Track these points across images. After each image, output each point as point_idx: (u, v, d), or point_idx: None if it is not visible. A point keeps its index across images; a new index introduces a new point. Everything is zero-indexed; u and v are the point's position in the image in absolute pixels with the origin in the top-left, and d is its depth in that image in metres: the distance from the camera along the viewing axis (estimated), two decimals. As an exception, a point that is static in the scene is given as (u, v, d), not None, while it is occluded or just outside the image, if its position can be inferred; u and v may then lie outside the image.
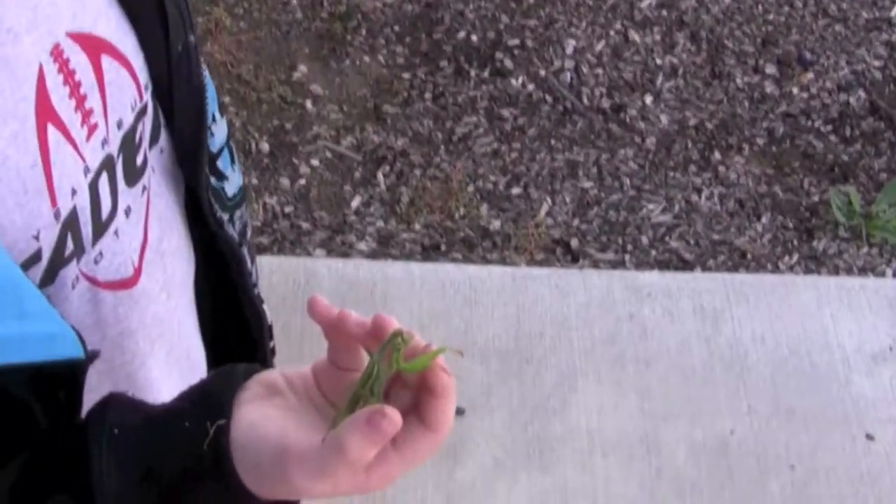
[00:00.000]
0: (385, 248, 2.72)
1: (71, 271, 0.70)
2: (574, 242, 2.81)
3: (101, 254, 0.73)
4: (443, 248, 2.74)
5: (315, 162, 2.88)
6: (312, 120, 2.97)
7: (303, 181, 2.85)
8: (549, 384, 2.41)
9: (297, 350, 2.27)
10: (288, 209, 2.80)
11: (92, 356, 0.66)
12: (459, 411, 2.32)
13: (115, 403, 0.66)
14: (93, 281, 0.73)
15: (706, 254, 2.82)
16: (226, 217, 0.90)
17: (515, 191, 2.90)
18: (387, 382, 0.62)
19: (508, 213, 2.84)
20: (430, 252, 2.71)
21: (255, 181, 2.83)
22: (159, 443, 0.63)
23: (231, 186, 0.91)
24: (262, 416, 0.62)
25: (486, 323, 2.50)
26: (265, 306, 1.00)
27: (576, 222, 2.86)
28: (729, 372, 2.47)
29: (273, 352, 1.04)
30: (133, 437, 0.64)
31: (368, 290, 2.53)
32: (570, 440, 2.32)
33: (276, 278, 2.49)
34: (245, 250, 0.94)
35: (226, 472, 0.61)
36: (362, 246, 2.75)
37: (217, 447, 0.61)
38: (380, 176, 2.88)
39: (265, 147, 2.90)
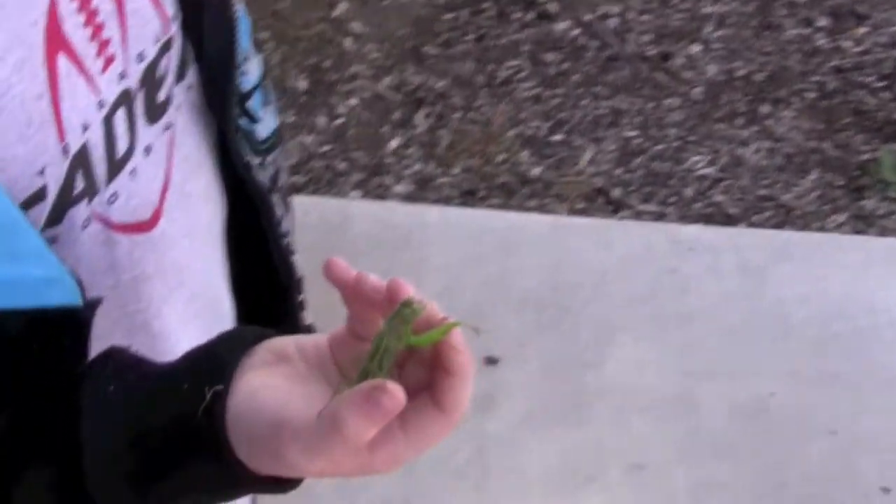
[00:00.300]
0: (422, 191, 2.68)
1: (81, 211, 0.66)
2: (616, 192, 2.75)
3: (115, 194, 0.70)
4: (481, 193, 2.70)
5: (353, 101, 2.84)
6: (351, 58, 2.92)
7: (340, 121, 2.81)
8: (585, 337, 2.35)
9: (328, 297, 2.23)
10: (324, 149, 2.76)
11: (92, 304, 0.62)
12: (493, 360, 2.27)
13: (116, 357, 0.64)
14: (106, 222, 0.70)
15: (751, 209, 2.75)
16: (256, 161, 0.85)
17: (557, 137, 2.84)
18: (399, 357, 0.57)
19: (549, 159, 2.79)
20: (467, 197, 2.67)
21: (291, 119, 2.79)
22: (153, 404, 0.60)
23: (263, 129, 0.86)
24: (264, 385, 0.58)
25: (522, 272, 2.44)
26: (296, 258, 0.94)
27: (618, 172, 2.80)
28: (771, 332, 2.40)
29: (302, 305, 0.97)
30: (128, 396, 0.61)
31: (403, 235, 2.48)
32: (605, 395, 2.26)
33: (311, 219, 2.44)
34: (276, 197, 0.89)
35: (219, 441, 0.57)
36: (399, 188, 2.71)
37: (212, 414, 0.57)
38: (419, 118, 2.83)
39: (303, 85, 2.86)
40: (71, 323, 0.61)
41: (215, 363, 0.59)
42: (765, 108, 2.95)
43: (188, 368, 0.60)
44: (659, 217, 2.72)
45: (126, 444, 0.59)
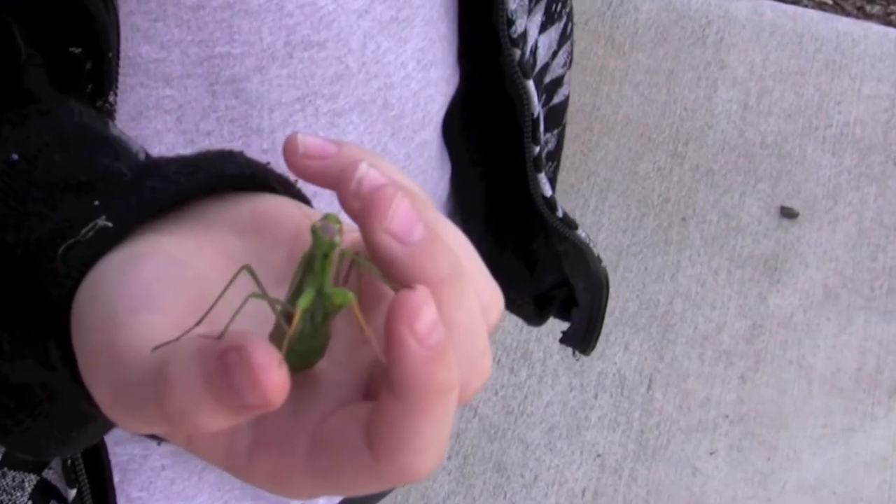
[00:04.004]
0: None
1: None
2: None
3: None
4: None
5: None
6: None
7: None
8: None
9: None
10: None
11: None
12: (791, 213, 1.88)
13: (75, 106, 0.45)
14: None
15: None
16: None
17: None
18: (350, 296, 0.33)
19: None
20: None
21: None
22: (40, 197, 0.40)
23: None
24: (168, 258, 0.36)
25: (848, 100, 2.01)
26: (530, 83, 0.67)
27: None
28: None
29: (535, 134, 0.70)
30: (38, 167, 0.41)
31: (698, 29, 2.08)
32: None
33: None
34: None
35: (56, 313, 0.37)
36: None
37: (68, 265, 0.37)
38: None
39: None
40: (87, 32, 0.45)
41: (155, 185, 0.38)
42: None
43: (121, 175, 0.40)
44: None
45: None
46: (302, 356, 0.34)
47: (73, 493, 0.55)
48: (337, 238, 0.32)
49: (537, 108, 0.68)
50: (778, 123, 1.97)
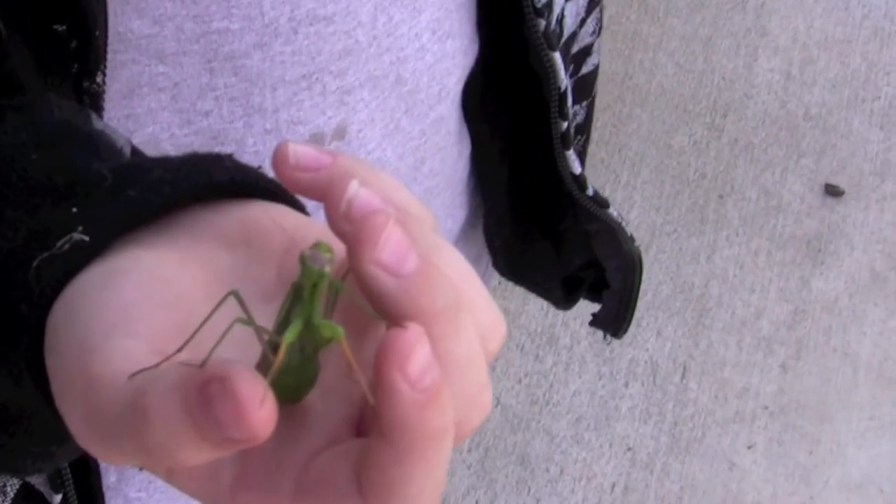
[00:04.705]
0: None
1: None
2: None
3: None
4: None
5: None
6: None
7: None
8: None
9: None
10: None
11: None
12: (837, 191, 1.88)
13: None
14: None
15: None
16: None
17: None
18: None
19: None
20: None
21: None
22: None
23: None
24: (148, 276, 0.36)
25: None
26: (556, 55, 0.67)
27: None
28: None
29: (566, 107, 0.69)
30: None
31: None
32: None
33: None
34: None
35: (29, 332, 0.37)
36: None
37: (42, 281, 0.37)
38: None
39: None
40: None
41: (135, 191, 0.38)
42: None
43: (101, 176, 0.39)
44: None
45: None
46: (290, 388, 0.33)
47: (58, 498, 0.55)
48: (327, 268, 0.32)
49: (564, 81, 0.67)
50: (822, 95, 1.97)
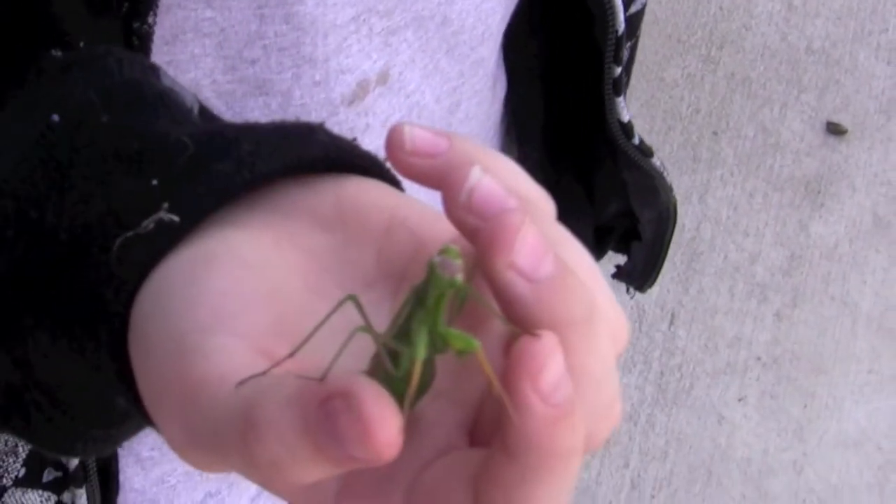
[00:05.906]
0: None
1: None
2: None
3: None
4: None
5: None
6: None
7: None
8: None
9: None
10: None
11: None
12: (839, 130, 1.87)
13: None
14: None
15: None
16: None
17: None
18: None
19: None
20: None
21: None
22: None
23: None
24: (242, 264, 0.36)
25: None
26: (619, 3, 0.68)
27: None
28: None
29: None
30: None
31: None
32: None
33: None
34: None
35: (110, 321, 0.37)
36: None
37: (126, 266, 0.37)
38: None
39: None
40: None
41: (229, 169, 0.38)
42: None
43: (183, 144, 0.39)
44: None
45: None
46: (405, 396, 0.34)
47: (75, 461, 0.55)
48: (458, 276, 0.33)
49: (623, 23, 0.66)
50: (826, 27, 1.95)
